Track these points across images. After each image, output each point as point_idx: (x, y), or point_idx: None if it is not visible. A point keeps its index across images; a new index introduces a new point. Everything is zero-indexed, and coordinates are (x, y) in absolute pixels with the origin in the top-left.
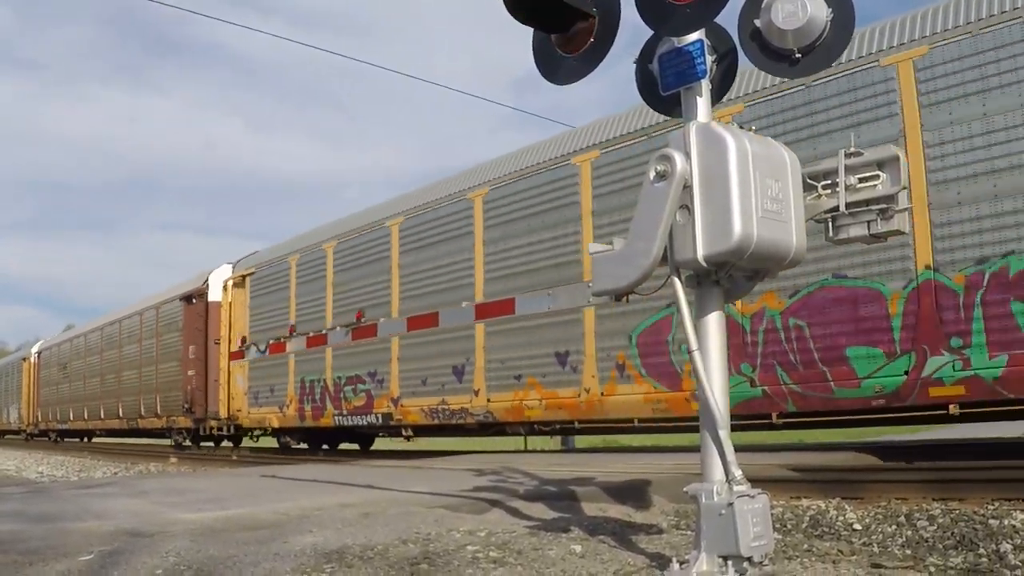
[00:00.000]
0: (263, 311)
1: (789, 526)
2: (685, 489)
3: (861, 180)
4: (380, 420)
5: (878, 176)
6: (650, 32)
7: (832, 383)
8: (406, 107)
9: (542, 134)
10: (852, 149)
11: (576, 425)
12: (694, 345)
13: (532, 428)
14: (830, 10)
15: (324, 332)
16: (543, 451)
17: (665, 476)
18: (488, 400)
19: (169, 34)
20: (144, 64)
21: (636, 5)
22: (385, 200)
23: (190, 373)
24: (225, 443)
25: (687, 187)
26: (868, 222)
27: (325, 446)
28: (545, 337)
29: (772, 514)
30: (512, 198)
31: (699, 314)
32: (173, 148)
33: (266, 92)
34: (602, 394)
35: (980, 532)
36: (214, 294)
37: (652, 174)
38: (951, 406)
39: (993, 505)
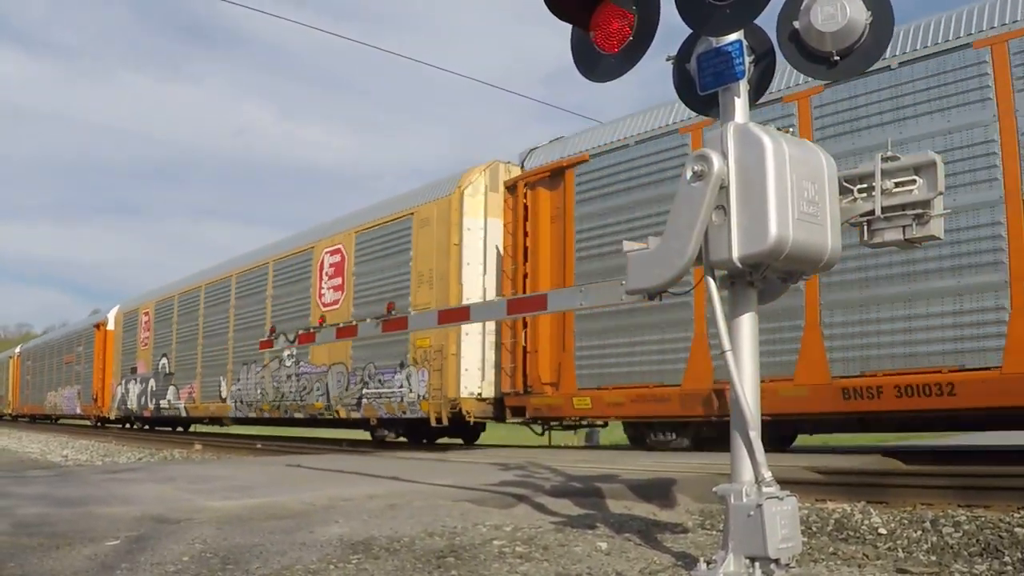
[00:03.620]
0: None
1: (814, 529)
2: (714, 489)
3: (897, 184)
4: None
5: (915, 181)
6: (687, 32)
7: None
8: (438, 99)
9: (572, 128)
10: (889, 153)
11: None
12: (727, 345)
13: None
14: (869, 13)
15: None
16: (567, 447)
17: (690, 475)
18: None
19: (202, 21)
20: (176, 51)
21: (676, 4)
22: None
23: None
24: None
25: (723, 188)
26: (903, 227)
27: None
28: None
29: (798, 516)
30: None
31: (732, 315)
32: (203, 135)
33: (299, 81)
34: None
35: (1006, 540)
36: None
37: (689, 174)
38: None
39: (1019, 513)
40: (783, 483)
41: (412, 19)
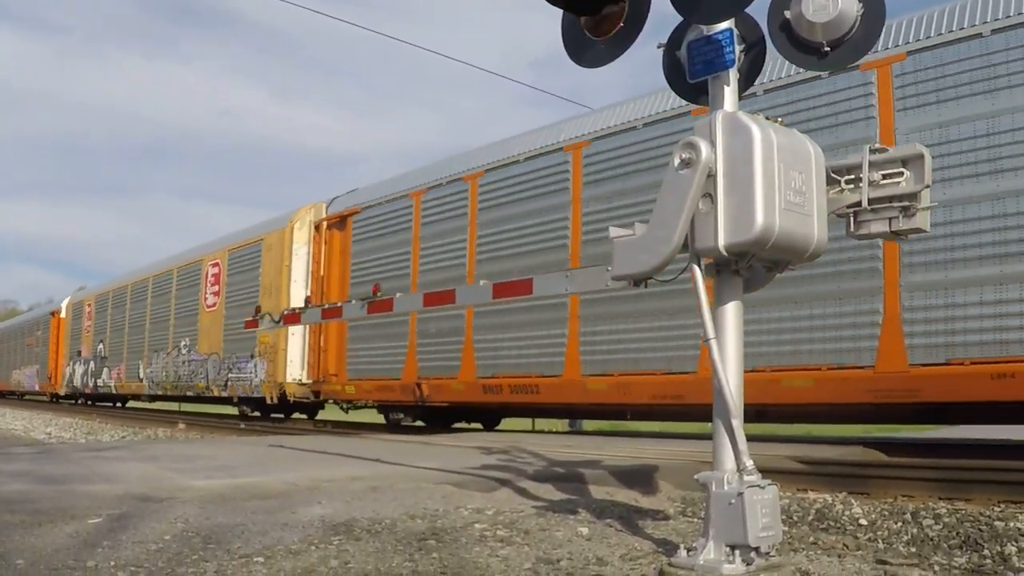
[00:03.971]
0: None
1: (795, 518)
2: (696, 477)
3: (885, 176)
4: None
5: (902, 173)
6: (678, 19)
7: None
8: (426, 83)
9: (561, 114)
10: (877, 145)
11: None
12: (711, 333)
13: None
14: (860, 5)
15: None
16: (551, 432)
17: (672, 462)
18: None
19: (191, 2)
20: (166, 31)
21: None
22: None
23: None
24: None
25: (711, 176)
26: (890, 219)
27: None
28: None
29: (780, 505)
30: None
31: (718, 303)
32: (192, 114)
33: (286, 63)
34: None
35: (985, 533)
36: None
37: (677, 161)
38: None
39: (999, 507)
40: (765, 472)
41: (406, 3)
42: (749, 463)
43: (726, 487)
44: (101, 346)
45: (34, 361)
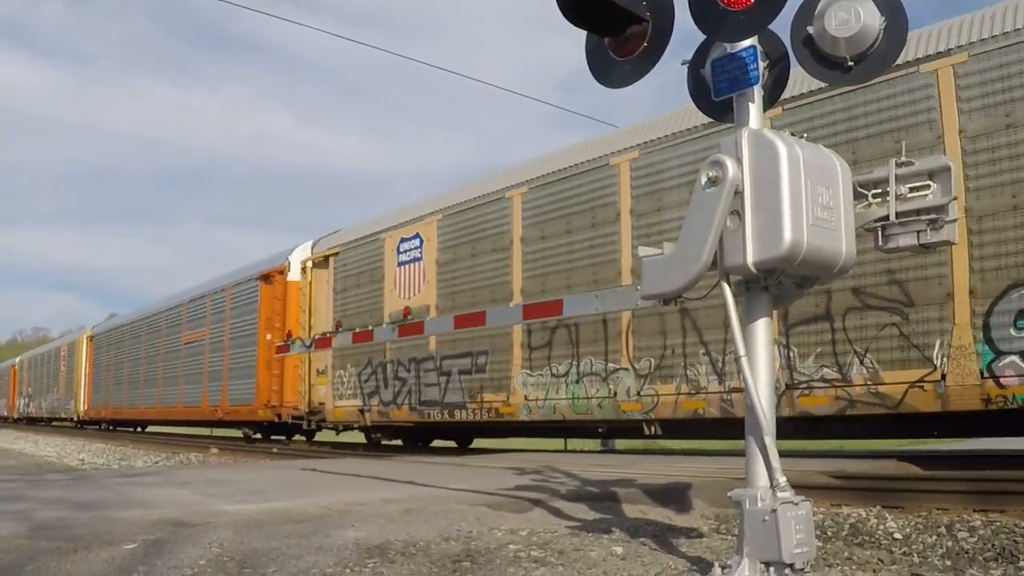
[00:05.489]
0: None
1: (829, 533)
2: (729, 494)
3: (912, 189)
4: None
5: (929, 186)
6: (702, 37)
7: None
8: (454, 105)
9: (588, 134)
10: (903, 159)
11: None
12: (742, 351)
13: None
14: (883, 18)
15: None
16: (584, 451)
17: (706, 480)
18: None
19: (217, 29)
20: (192, 58)
21: (690, 10)
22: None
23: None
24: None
25: (738, 193)
26: (918, 232)
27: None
28: None
29: (813, 521)
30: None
31: (747, 320)
32: (221, 142)
33: (312, 87)
34: None
35: (1021, 544)
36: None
37: (704, 179)
38: None
39: None
40: (798, 488)
41: (431, 26)
42: (782, 479)
43: (759, 504)
44: (30, 389)
45: (3, 396)
